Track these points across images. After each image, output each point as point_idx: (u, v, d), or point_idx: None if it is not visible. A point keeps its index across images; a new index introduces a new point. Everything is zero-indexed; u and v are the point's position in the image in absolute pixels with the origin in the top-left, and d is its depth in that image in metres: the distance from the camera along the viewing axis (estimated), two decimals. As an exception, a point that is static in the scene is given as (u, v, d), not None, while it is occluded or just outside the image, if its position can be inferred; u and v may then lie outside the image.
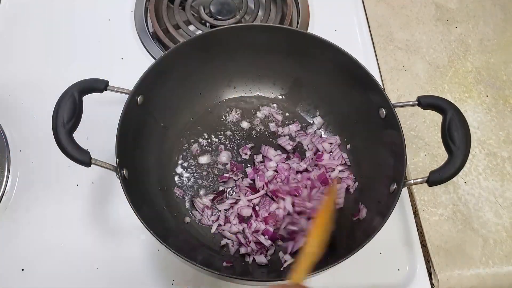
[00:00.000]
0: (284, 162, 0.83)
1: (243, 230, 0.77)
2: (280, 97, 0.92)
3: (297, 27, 1.03)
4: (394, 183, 0.69)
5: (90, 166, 0.65)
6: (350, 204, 0.80)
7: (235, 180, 0.82)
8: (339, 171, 0.83)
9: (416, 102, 0.71)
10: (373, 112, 0.77)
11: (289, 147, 0.86)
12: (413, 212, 0.83)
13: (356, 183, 0.82)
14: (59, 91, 0.67)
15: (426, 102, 0.70)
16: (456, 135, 0.66)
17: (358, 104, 0.82)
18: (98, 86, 0.70)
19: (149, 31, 1.00)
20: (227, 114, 0.90)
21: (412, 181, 0.67)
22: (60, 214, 0.79)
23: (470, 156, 0.66)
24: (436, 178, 0.65)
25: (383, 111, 0.75)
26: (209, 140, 0.87)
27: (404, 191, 0.82)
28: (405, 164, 0.68)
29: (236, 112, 0.90)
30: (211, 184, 0.83)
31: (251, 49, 0.85)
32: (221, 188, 0.82)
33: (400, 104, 0.73)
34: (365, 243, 0.63)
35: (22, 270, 0.75)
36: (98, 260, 0.76)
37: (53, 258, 0.76)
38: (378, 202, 0.73)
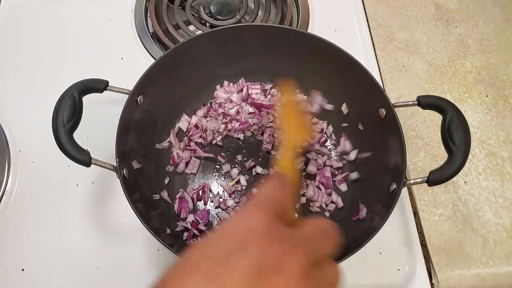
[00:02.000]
0: None
1: None
2: (280, 97, 0.92)
3: (297, 27, 1.03)
4: (394, 183, 0.69)
5: (90, 166, 0.65)
6: (350, 204, 0.80)
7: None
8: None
9: (416, 102, 0.71)
10: (373, 112, 0.77)
11: None
12: (413, 212, 0.83)
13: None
14: (59, 91, 0.67)
15: (426, 102, 0.70)
16: (456, 135, 0.65)
17: (358, 104, 0.82)
18: (98, 86, 0.70)
19: (149, 31, 1.00)
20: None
21: (412, 181, 0.67)
22: (60, 214, 0.79)
23: (470, 156, 0.66)
24: (436, 178, 0.65)
25: (383, 111, 0.75)
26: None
27: (404, 191, 0.82)
28: (405, 164, 0.68)
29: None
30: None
31: (252, 50, 0.85)
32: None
33: (400, 104, 0.73)
34: (365, 243, 0.63)
35: (22, 270, 0.75)
36: (98, 260, 0.76)
37: (53, 258, 0.76)
38: (378, 202, 0.73)
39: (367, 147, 0.82)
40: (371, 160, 0.81)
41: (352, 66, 0.78)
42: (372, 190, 0.77)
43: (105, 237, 0.78)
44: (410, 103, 0.72)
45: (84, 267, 0.75)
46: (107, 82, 0.71)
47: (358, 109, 0.83)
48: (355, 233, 0.73)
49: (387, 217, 0.65)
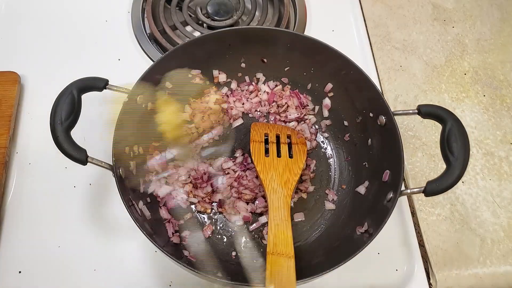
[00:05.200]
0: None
1: None
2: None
3: (294, 27, 1.03)
4: (390, 191, 0.69)
5: (86, 164, 0.65)
6: (349, 212, 0.80)
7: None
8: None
9: (416, 111, 0.71)
10: (372, 119, 0.78)
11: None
12: (411, 212, 0.83)
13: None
14: (55, 92, 0.67)
15: (426, 111, 0.70)
16: (455, 146, 0.65)
17: (357, 110, 0.82)
18: (97, 84, 0.70)
19: (146, 32, 1.00)
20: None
21: (409, 191, 0.67)
22: (57, 216, 0.79)
23: (467, 156, 0.66)
24: (433, 189, 0.65)
25: (382, 119, 0.75)
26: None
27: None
28: (402, 174, 0.68)
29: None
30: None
31: (252, 51, 0.86)
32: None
33: (400, 112, 0.73)
34: (362, 249, 0.63)
35: (19, 272, 0.74)
36: (95, 262, 0.75)
37: (50, 260, 0.75)
38: (375, 209, 0.73)
39: (365, 154, 0.82)
40: (369, 168, 0.80)
41: (352, 71, 0.78)
42: (369, 197, 0.77)
43: (103, 239, 0.77)
44: (410, 111, 0.72)
45: (82, 269, 0.75)
46: (107, 80, 0.70)
47: (357, 115, 0.83)
48: (352, 238, 0.73)
49: (382, 225, 0.65)
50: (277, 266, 0.62)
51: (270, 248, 0.65)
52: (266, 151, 0.79)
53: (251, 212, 0.79)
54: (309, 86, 0.88)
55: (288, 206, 0.71)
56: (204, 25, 1.01)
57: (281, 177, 0.75)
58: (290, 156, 0.79)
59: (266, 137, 0.81)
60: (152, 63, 0.78)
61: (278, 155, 0.79)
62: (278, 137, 0.81)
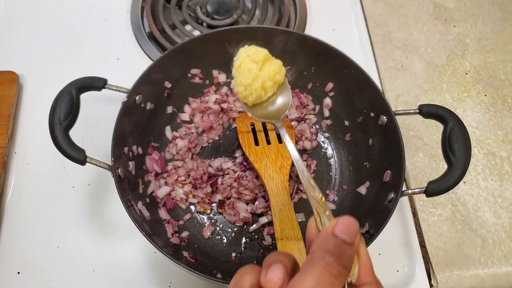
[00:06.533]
0: None
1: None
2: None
3: (294, 26, 1.02)
4: (391, 192, 0.69)
5: (85, 164, 0.65)
6: (349, 213, 0.79)
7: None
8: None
9: (417, 111, 0.70)
10: (373, 119, 0.77)
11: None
12: (412, 213, 0.83)
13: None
14: (54, 92, 0.67)
15: (427, 111, 0.70)
16: (456, 146, 0.65)
17: (358, 110, 0.82)
18: (96, 84, 0.70)
19: (145, 31, 0.99)
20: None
21: (410, 191, 0.67)
22: (56, 217, 0.78)
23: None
24: (434, 189, 0.65)
25: (383, 118, 0.75)
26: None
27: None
28: (403, 174, 0.68)
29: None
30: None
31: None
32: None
33: (401, 112, 0.73)
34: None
35: (18, 273, 0.74)
36: (94, 262, 0.75)
37: (49, 261, 0.75)
38: (375, 209, 0.72)
39: (366, 154, 0.81)
40: (370, 168, 0.80)
41: (353, 71, 0.78)
42: (370, 198, 0.77)
43: (102, 240, 0.77)
44: (412, 111, 0.71)
45: (81, 269, 0.75)
46: (106, 80, 0.70)
47: (358, 115, 0.82)
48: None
49: (383, 226, 0.64)
50: (288, 250, 0.64)
51: (278, 234, 0.67)
52: (257, 143, 0.80)
53: (251, 212, 0.78)
54: (309, 85, 0.88)
55: (287, 190, 0.72)
56: (204, 24, 1.00)
57: (275, 163, 0.76)
58: (280, 142, 0.80)
59: (252, 127, 0.82)
60: (151, 62, 0.78)
61: (268, 142, 0.80)
62: (264, 125, 0.82)
